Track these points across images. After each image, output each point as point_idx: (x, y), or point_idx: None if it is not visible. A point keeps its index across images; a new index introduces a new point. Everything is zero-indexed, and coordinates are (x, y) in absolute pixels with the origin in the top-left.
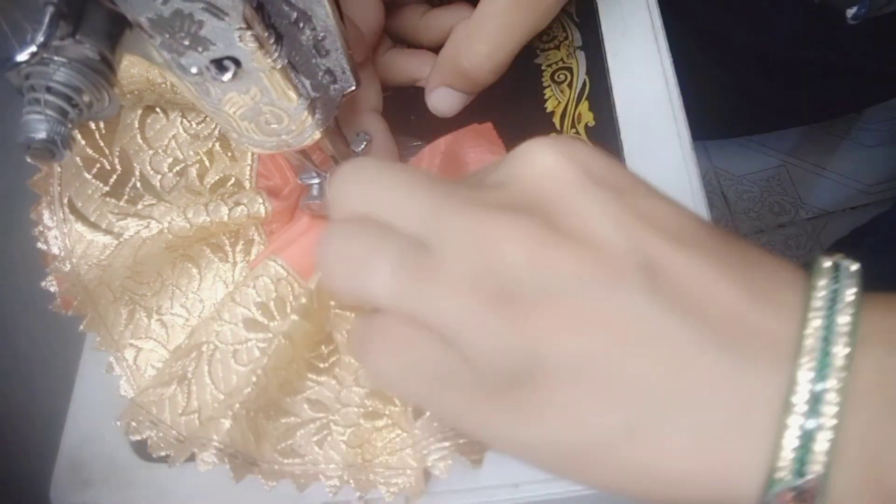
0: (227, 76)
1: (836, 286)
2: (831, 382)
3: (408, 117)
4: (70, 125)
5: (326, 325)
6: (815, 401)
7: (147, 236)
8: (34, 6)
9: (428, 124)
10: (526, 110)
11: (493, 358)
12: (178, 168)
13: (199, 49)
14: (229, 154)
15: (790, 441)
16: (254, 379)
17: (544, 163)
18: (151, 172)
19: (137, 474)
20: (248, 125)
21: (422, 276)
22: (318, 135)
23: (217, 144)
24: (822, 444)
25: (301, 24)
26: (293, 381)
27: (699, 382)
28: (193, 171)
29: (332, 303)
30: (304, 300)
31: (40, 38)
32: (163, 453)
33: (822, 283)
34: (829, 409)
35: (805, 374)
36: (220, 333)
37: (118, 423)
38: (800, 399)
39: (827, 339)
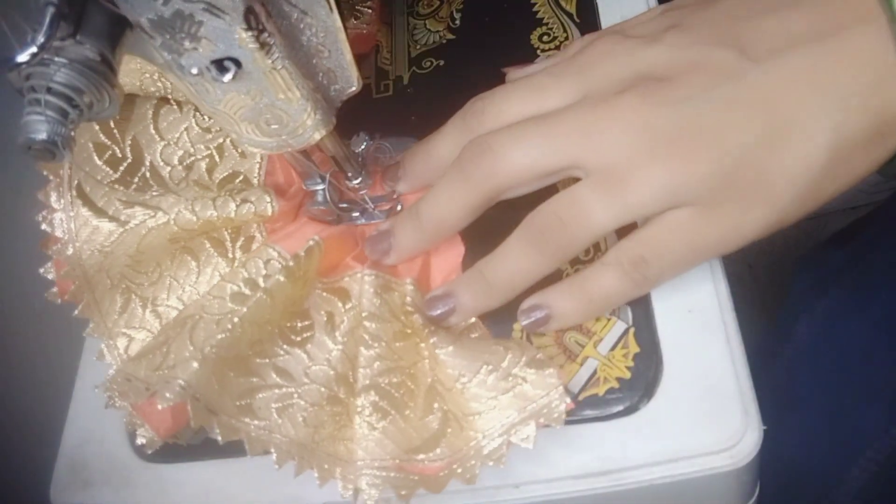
0: (228, 77)
1: None
2: None
3: (408, 117)
4: (70, 126)
5: (307, 301)
6: None
7: (153, 226)
8: (34, 7)
9: (428, 124)
10: None
11: (710, 184)
12: (188, 161)
13: (200, 49)
14: (239, 150)
15: None
16: (228, 326)
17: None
18: (161, 164)
19: (137, 474)
20: (248, 126)
21: (621, 190)
22: (318, 135)
23: (228, 140)
24: None
25: (301, 25)
26: (265, 344)
27: (828, 82)
28: (203, 166)
29: (320, 284)
30: (291, 263)
31: (41, 39)
32: (128, 401)
33: None
34: None
35: None
36: (206, 307)
37: (97, 390)
38: None
39: None
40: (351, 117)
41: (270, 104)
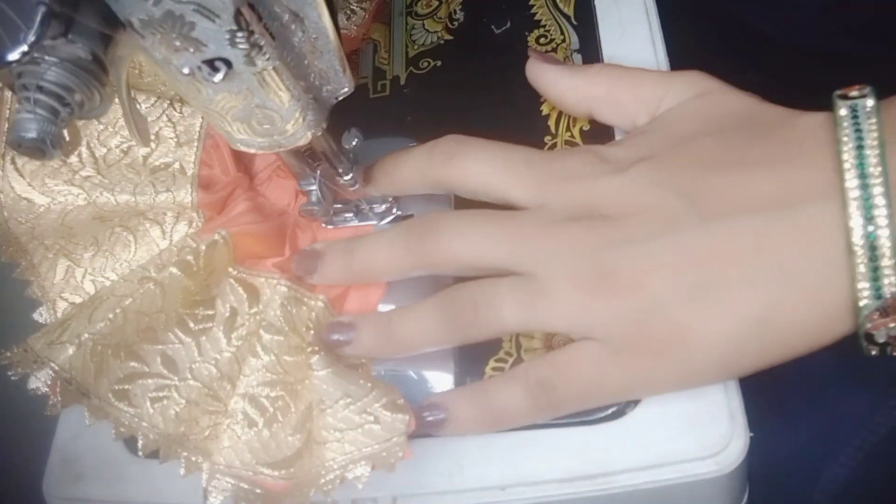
0: (218, 77)
1: (859, 130)
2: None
3: (404, 117)
4: (61, 124)
5: (214, 289)
6: (872, 245)
7: (74, 206)
8: (26, 5)
9: (424, 125)
10: (521, 113)
11: (621, 328)
12: (124, 146)
13: (191, 50)
14: (175, 139)
15: (862, 273)
16: (110, 316)
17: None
18: (97, 145)
19: (130, 469)
20: (240, 125)
21: (537, 300)
22: (310, 136)
23: (165, 128)
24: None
25: (293, 26)
26: (157, 330)
27: (772, 255)
28: (139, 152)
29: (234, 272)
30: (189, 257)
31: (32, 38)
32: (25, 370)
33: (844, 136)
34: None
35: (857, 220)
36: (117, 289)
37: (12, 374)
38: (858, 239)
39: (864, 179)
40: (347, 117)
41: (261, 104)
